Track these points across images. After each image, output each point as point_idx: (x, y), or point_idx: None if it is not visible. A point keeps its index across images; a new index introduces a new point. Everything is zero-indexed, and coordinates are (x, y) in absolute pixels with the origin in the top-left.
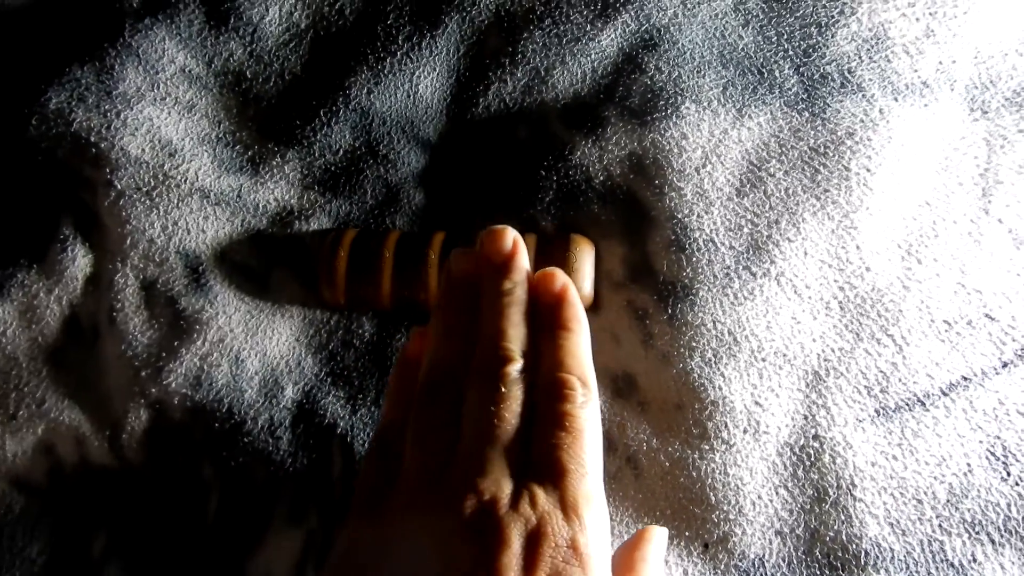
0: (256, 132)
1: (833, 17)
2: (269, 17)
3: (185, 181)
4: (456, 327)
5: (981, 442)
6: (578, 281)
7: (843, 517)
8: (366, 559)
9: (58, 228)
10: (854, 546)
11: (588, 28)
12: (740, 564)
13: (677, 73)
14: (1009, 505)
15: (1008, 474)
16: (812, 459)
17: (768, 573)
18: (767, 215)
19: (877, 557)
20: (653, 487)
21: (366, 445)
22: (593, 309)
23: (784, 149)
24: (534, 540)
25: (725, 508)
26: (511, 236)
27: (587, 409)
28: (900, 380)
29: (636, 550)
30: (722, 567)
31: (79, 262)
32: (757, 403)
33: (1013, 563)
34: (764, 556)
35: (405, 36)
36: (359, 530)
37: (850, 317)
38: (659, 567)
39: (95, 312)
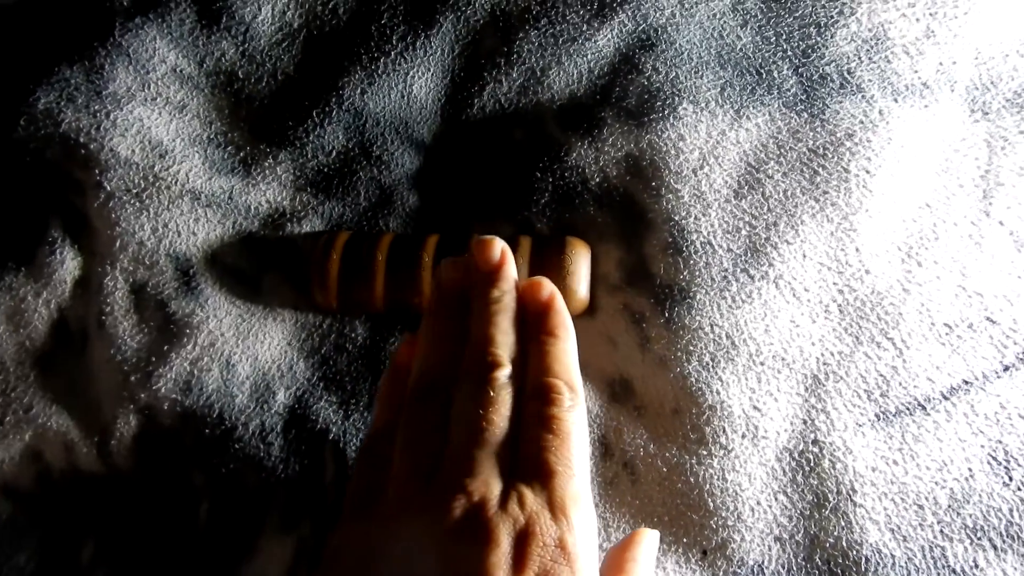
0: (248, 133)
1: (832, 17)
2: (262, 16)
3: (176, 182)
4: (446, 333)
5: (983, 446)
6: (574, 284)
7: (843, 523)
8: (357, 561)
9: (46, 230)
10: (854, 552)
11: (584, 28)
12: (739, 571)
13: (674, 74)
14: (1011, 510)
15: (1010, 479)
16: (812, 464)
17: None
18: (765, 217)
19: (878, 563)
20: (650, 493)
21: (358, 450)
22: (589, 312)
23: (783, 150)
24: (523, 539)
25: (723, 514)
26: (499, 246)
27: (574, 413)
28: (900, 384)
29: (626, 551)
30: (721, 574)
31: (68, 265)
32: (756, 408)
33: (1015, 569)
34: (763, 563)
35: (399, 36)
36: (350, 533)
37: (849, 320)
38: (649, 569)
39: (84, 316)
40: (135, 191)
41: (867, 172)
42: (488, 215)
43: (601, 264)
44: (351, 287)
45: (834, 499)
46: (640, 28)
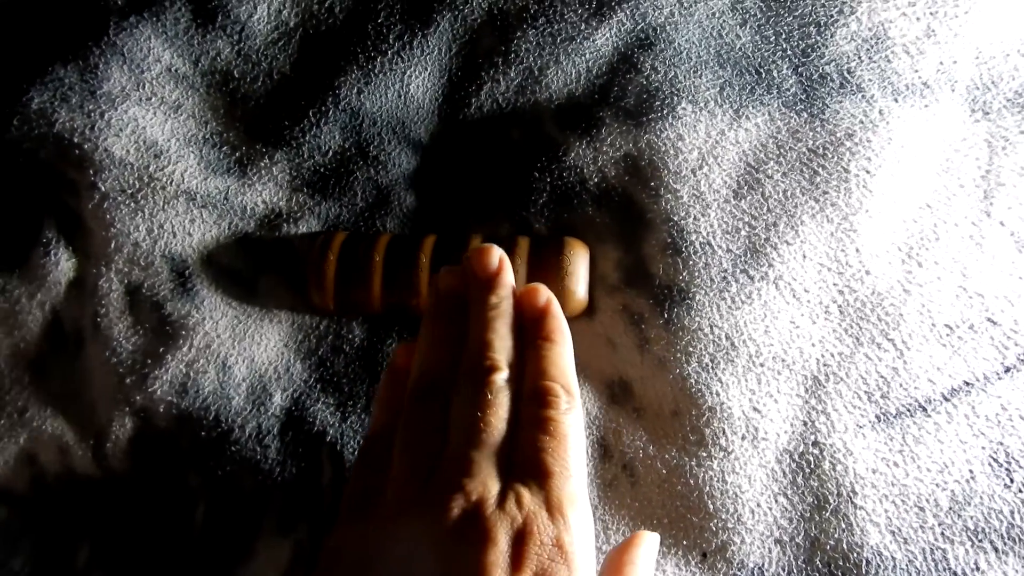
0: (244, 133)
1: (832, 16)
2: (257, 15)
3: (171, 183)
4: (445, 337)
5: (984, 448)
6: (572, 285)
7: (844, 525)
8: (355, 562)
9: (40, 231)
10: (855, 555)
11: (583, 27)
12: (739, 573)
13: (673, 73)
14: (1012, 512)
15: (1011, 481)
16: (812, 466)
17: None
18: (765, 218)
19: (878, 566)
20: (650, 495)
21: (356, 453)
22: (588, 313)
23: (782, 150)
24: (521, 538)
25: (723, 516)
26: (497, 254)
27: (571, 415)
28: (901, 385)
29: (625, 553)
30: None
31: (62, 266)
32: (755, 409)
33: (1016, 571)
34: (763, 565)
35: (396, 35)
36: (348, 534)
37: (850, 321)
38: (648, 572)
39: (79, 318)
40: (130, 192)
41: (867, 172)
42: (486, 215)
43: (600, 265)
44: (348, 288)
45: (834, 501)
46: (639, 27)
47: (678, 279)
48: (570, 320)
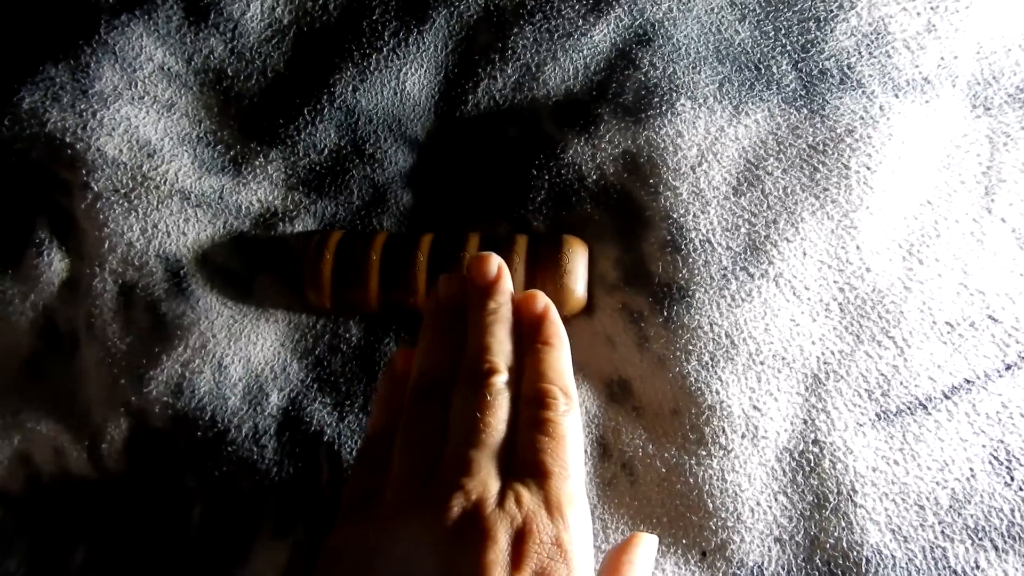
0: (238, 131)
1: (832, 11)
2: (250, 13)
3: (165, 182)
4: (444, 342)
5: (984, 446)
6: (571, 283)
7: (844, 523)
8: (355, 562)
9: (33, 231)
10: (855, 553)
11: (580, 23)
12: (739, 572)
13: (672, 69)
14: (1013, 511)
15: (1012, 479)
16: (812, 464)
17: None
18: (765, 215)
19: (878, 564)
20: (649, 494)
21: (353, 453)
22: (587, 312)
23: (782, 147)
24: (520, 537)
25: (723, 515)
26: (496, 262)
27: (569, 417)
28: (901, 383)
29: (624, 553)
30: (720, 575)
31: (55, 266)
32: (755, 407)
33: (1017, 570)
34: (763, 564)
35: (391, 32)
36: (347, 534)
37: (850, 319)
38: (646, 573)
39: (73, 318)
40: (123, 191)
41: (868, 169)
42: (484, 214)
43: (599, 263)
44: (345, 287)
45: (834, 499)
46: (636, 23)
47: (677, 277)
48: (569, 318)
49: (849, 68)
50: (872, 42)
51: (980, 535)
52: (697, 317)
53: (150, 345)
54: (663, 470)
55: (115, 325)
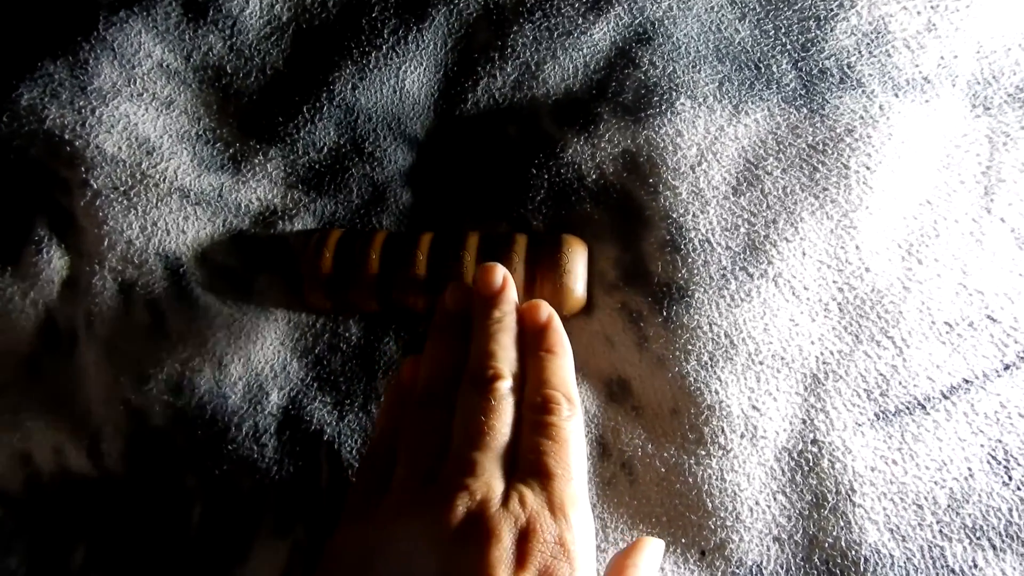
0: (237, 129)
1: (832, 10)
2: (249, 9)
3: (164, 180)
4: (450, 349)
5: (982, 446)
6: (571, 283)
7: (842, 523)
8: (358, 561)
9: (32, 229)
10: (853, 552)
11: (580, 21)
12: (737, 571)
13: (672, 68)
14: (1011, 510)
15: (1010, 478)
16: (810, 464)
17: None
18: (764, 214)
19: (877, 563)
20: (648, 493)
21: (354, 452)
22: (586, 311)
23: (782, 146)
24: (524, 537)
25: (722, 514)
26: (501, 273)
27: (572, 422)
28: (900, 383)
29: (628, 557)
30: (719, 574)
31: (55, 264)
32: (755, 407)
33: (1015, 569)
34: (762, 563)
35: (391, 29)
36: (350, 534)
37: (849, 319)
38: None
39: (72, 316)
40: (122, 189)
41: (867, 168)
42: (483, 212)
43: (598, 262)
44: (344, 286)
45: (833, 499)
46: (636, 21)
47: (677, 277)
48: (568, 318)
49: (849, 67)
50: (872, 41)
51: (978, 534)
52: (696, 317)
53: (150, 343)
54: (662, 469)
55: (115, 323)
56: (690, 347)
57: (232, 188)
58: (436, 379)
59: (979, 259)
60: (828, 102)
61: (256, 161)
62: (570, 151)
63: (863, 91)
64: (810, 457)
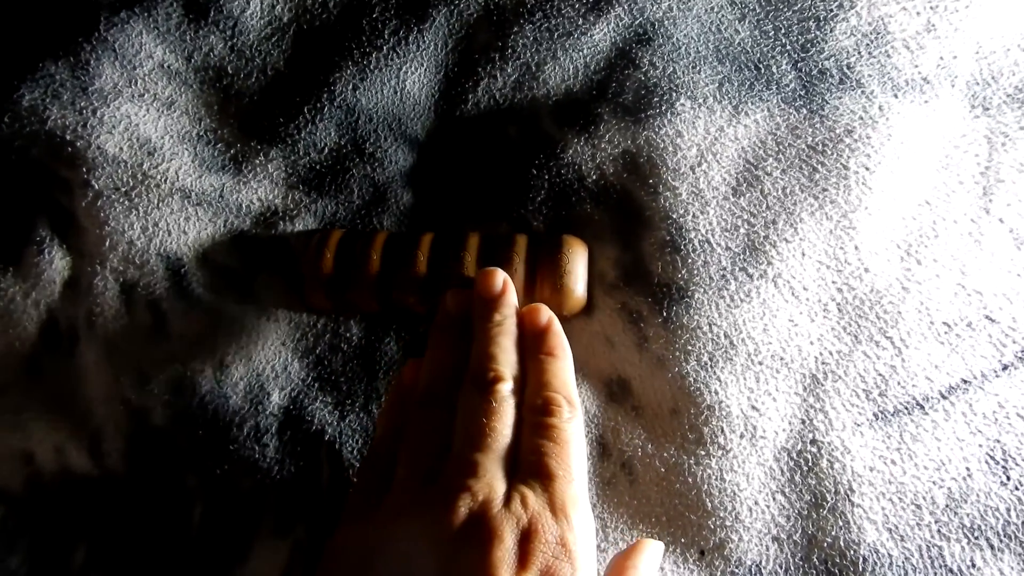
0: (238, 130)
1: (832, 11)
2: (250, 10)
3: (165, 181)
4: (451, 352)
5: (981, 446)
6: (571, 283)
7: (841, 523)
8: (359, 561)
9: (34, 229)
10: (852, 552)
11: (580, 22)
12: (737, 571)
13: (672, 69)
14: (1009, 510)
15: (1008, 478)
16: (810, 464)
17: None
18: (764, 215)
19: (875, 563)
20: (648, 493)
21: (355, 452)
22: (586, 312)
23: (781, 147)
24: (526, 537)
25: (721, 514)
26: (501, 277)
27: (572, 424)
28: (899, 383)
29: (628, 558)
30: (718, 574)
31: (56, 264)
32: (754, 407)
33: (1012, 568)
34: (761, 563)
35: (391, 30)
36: (349, 535)
37: (848, 319)
38: None
39: (74, 316)
40: (124, 189)
41: (866, 169)
42: (484, 213)
43: (598, 263)
44: (345, 286)
45: (832, 499)
46: (636, 22)
47: (677, 277)
48: (569, 318)
49: (848, 68)
50: (872, 42)
51: (976, 534)
52: (696, 317)
53: (151, 344)
54: (662, 469)
55: (116, 323)
56: (690, 347)
57: (233, 189)
58: (437, 381)
59: (978, 259)
60: (828, 103)
61: (257, 162)
62: (570, 152)
63: (862, 92)
64: (809, 457)
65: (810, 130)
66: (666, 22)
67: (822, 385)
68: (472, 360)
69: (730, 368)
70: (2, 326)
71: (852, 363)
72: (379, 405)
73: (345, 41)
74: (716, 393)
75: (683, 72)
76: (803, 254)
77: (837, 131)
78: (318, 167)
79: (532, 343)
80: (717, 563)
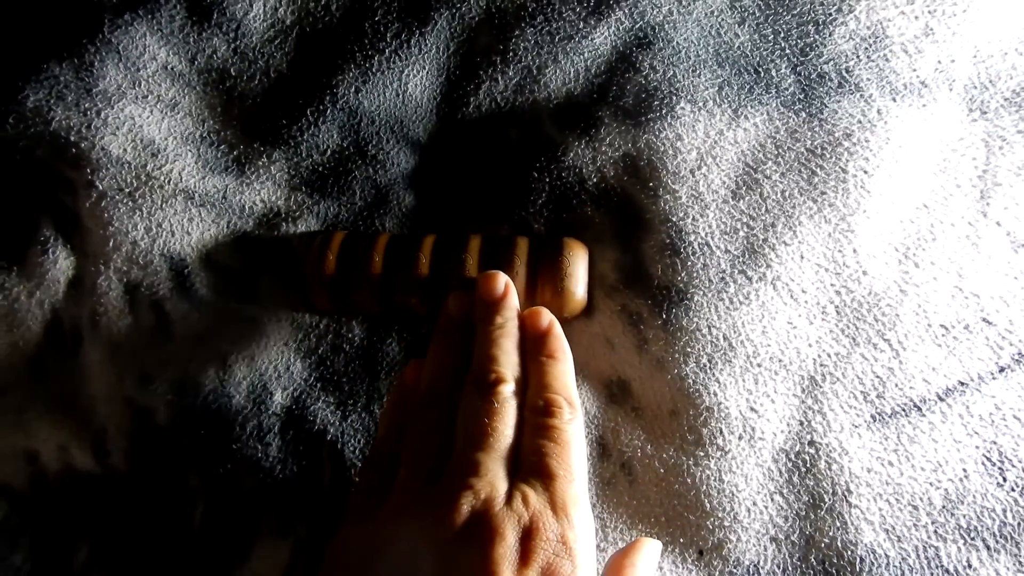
0: (241, 131)
1: (831, 15)
2: (253, 13)
3: (169, 182)
4: (453, 354)
5: (977, 447)
6: (571, 285)
7: (838, 523)
8: (361, 560)
9: (38, 230)
10: (849, 552)
11: (581, 26)
12: (735, 571)
13: (672, 72)
14: (1005, 511)
15: (1004, 479)
16: (808, 465)
17: None
18: (763, 218)
19: (872, 563)
20: (647, 493)
21: (356, 451)
22: (586, 313)
23: (780, 151)
24: (528, 535)
25: (720, 515)
26: (503, 280)
27: (573, 425)
28: (896, 385)
29: (627, 557)
30: (717, 574)
31: (61, 264)
32: (752, 409)
33: (1008, 569)
34: (759, 563)
35: (394, 33)
36: (350, 535)
37: (847, 322)
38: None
39: (77, 316)
40: (127, 190)
41: (865, 172)
42: (485, 216)
43: (598, 265)
44: (347, 288)
45: (829, 500)
46: (637, 26)
47: (676, 280)
48: (569, 320)
49: (847, 72)
50: (870, 46)
51: (972, 535)
52: (695, 320)
53: (154, 344)
54: (661, 470)
55: (120, 323)
56: (689, 349)
57: (236, 190)
58: (439, 382)
59: (975, 262)
60: (827, 106)
61: (260, 163)
62: (571, 155)
63: (861, 95)
64: (807, 458)
65: (809, 134)
66: (666, 26)
67: (820, 387)
68: (474, 362)
69: (729, 370)
70: (7, 325)
71: (850, 365)
72: (381, 405)
73: (347, 44)
74: (715, 395)
75: (683, 76)
76: (802, 257)
77: (836, 135)
78: (320, 169)
79: (533, 345)
80: (715, 563)
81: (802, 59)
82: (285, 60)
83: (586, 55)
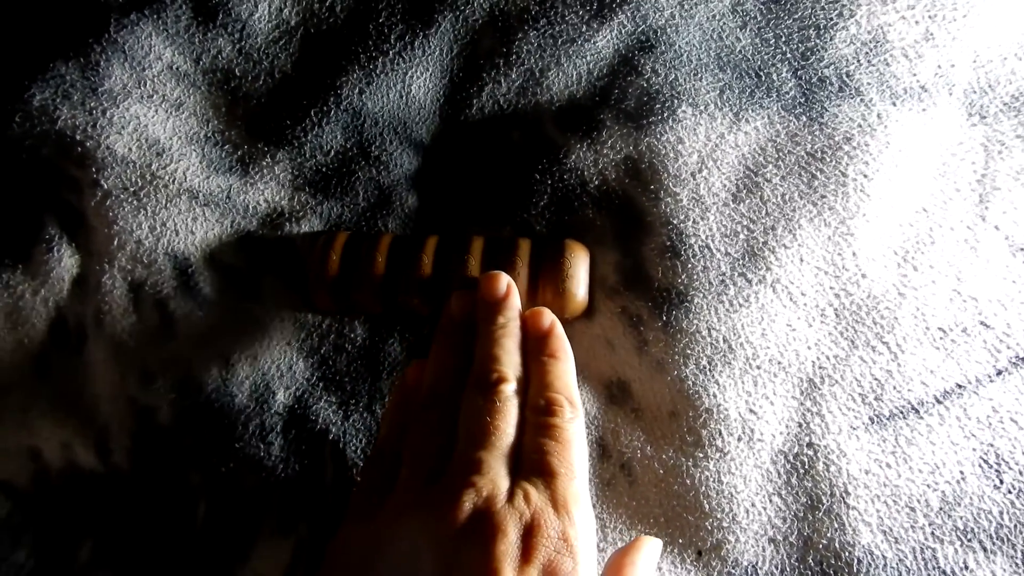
0: (245, 132)
1: (832, 19)
2: (258, 14)
3: (173, 181)
4: (456, 354)
5: (975, 450)
6: (573, 287)
7: (836, 525)
8: (362, 559)
9: (43, 228)
10: (847, 554)
11: (583, 29)
12: (733, 571)
13: (674, 76)
14: (1001, 513)
15: (1001, 482)
16: (806, 467)
17: None
18: (763, 221)
19: (870, 564)
20: (647, 494)
21: (358, 451)
22: (587, 315)
23: (781, 154)
24: (529, 532)
25: (719, 516)
26: (505, 281)
27: (574, 424)
28: (895, 388)
29: (627, 555)
30: (715, 574)
31: (65, 263)
32: (752, 411)
33: (1005, 570)
34: (757, 564)
35: (397, 35)
36: (352, 534)
37: (845, 324)
38: (648, 575)
39: (82, 314)
40: (132, 189)
41: (865, 176)
42: (487, 217)
43: (599, 267)
44: (350, 288)
45: (827, 501)
46: (639, 29)
47: (677, 282)
48: (570, 322)
49: (848, 76)
50: (871, 50)
51: (969, 536)
52: (695, 322)
53: (158, 342)
54: (661, 471)
55: (124, 322)
56: (689, 351)
57: (240, 190)
58: (441, 382)
59: (973, 266)
60: (827, 110)
61: (264, 163)
62: (573, 157)
63: (861, 99)
64: (805, 460)
65: (809, 137)
66: (668, 30)
67: (819, 389)
68: (476, 361)
69: (728, 372)
70: (11, 323)
71: (849, 368)
72: (383, 405)
73: (352, 45)
74: (714, 396)
75: (685, 79)
76: (801, 260)
77: (836, 138)
78: (324, 169)
79: (535, 345)
80: (714, 563)
81: (803, 63)
82: (289, 61)
83: (588, 58)
